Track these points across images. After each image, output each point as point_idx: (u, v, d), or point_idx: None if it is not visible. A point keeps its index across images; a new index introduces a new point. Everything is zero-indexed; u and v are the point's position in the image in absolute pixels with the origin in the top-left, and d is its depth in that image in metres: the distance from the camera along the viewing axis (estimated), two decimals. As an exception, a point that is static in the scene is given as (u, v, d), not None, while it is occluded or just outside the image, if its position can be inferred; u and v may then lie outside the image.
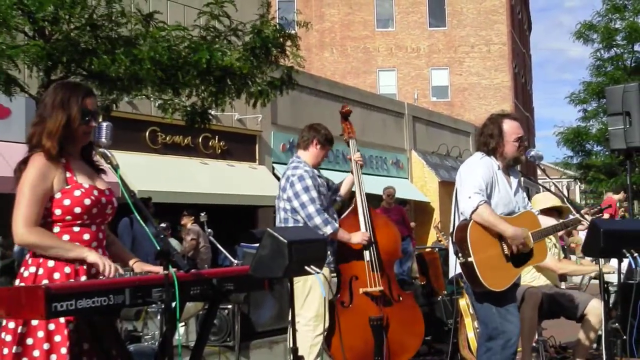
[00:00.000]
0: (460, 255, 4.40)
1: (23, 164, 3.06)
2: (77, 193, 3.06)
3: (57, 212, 3.04)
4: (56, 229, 3.05)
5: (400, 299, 5.43)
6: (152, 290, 2.81)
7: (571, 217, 5.01)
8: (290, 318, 3.46)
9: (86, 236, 3.09)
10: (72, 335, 2.94)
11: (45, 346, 2.90)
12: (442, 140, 27.30)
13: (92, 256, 2.99)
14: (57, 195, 3.04)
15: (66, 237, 3.05)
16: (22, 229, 2.95)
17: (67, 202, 3.04)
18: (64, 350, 2.90)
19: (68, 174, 3.09)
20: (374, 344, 5.21)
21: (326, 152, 5.41)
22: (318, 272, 3.21)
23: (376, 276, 5.25)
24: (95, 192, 3.11)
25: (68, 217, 3.05)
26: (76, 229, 3.07)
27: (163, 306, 2.84)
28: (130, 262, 3.26)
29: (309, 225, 4.99)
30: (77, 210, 3.05)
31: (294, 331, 3.46)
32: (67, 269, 2.99)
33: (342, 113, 5.76)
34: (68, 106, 3.08)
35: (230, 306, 6.35)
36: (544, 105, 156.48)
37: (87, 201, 3.07)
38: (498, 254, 4.44)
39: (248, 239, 9.33)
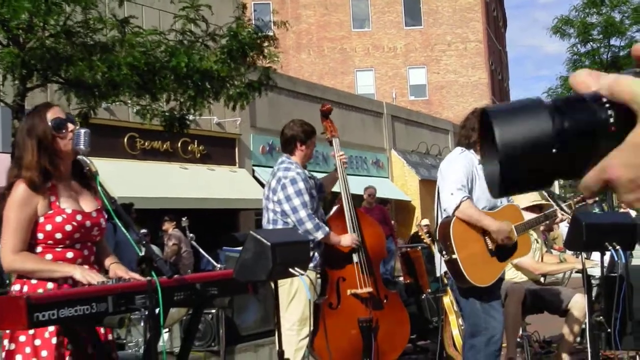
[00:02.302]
0: (444, 252, 4.40)
1: (7, 189, 3.04)
2: (59, 219, 3.04)
3: (40, 235, 3.04)
4: (39, 249, 3.05)
5: (387, 299, 5.42)
6: (135, 297, 2.78)
7: (555, 208, 5.04)
8: (275, 321, 3.44)
9: (69, 254, 3.07)
10: (57, 349, 2.91)
11: None
12: (422, 139, 27.39)
13: (78, 274, 2.96)
14: (41, 220, 3.04)
15: (49, 256, 3.04)
16: (9, 257, 2.98)
17: (48, 227, 3.04)
18: None
19: (52, 198, 3.07)
20: (363, 345, 5.19)
21: (312, 145, 5.33)
22: (302, 275, 3.19)
23: (365, 277, 5.23)
24: (79, 217, 3.09)
25: (50, 242, 3.05)
26: (58, 249, 3.06)
27: (146, 313, 2.81)
28: (107, 263, 3.22)
29: (300, 229, 4.92)
30: (58, 235, 3.04)
31: (280, 334, 3.43)
32: (50, 285, 2.97)
33: (322, 111, 5.65)
34: (34, 129, 3.06)
35: (214, 311, 6.31)
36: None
37: (69, 227, 3.05)
38: (482, 249, 4.45)
39: (230, 242, 9.29)
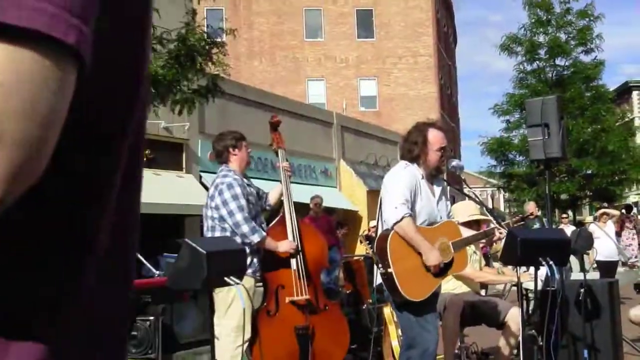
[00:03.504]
0: (380, 265, 4.42)
1: None
2: None
3: None
4: None
5: (327, 308, 5.44)
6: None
7: (492, 226, 5.12)
8: (209, 330, 3.40)
9: None
10: None
11: None
12: (371, 150, 27.56)
13: None
14: None
15: None
16: None
17: None
18: None
19: None
20: (299, 353, 5.19)
21: (245, 148, 5.40)
22: (238, 284, 3.16)
23: (303, 285, 5.24)
24: None
25: None
26: None
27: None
28: None
29: (237, 232, 4.96)
30: None
31: (213, 343, 3.41)
32: None
33: (271, 123, 5.76)
34: None
35: (152, 318, 6.22)
36: (471, 116, 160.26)
37: None
38: (417, 264, 4.48)
39: (174, 248, 9.17)
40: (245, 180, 5.28)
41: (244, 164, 5.35)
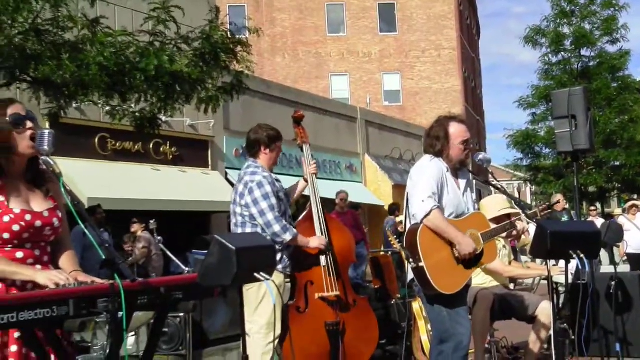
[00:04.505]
0: (411, 260, 4.41)
1: None
2: (6, 219, 2.98)
3: None
4: None
5: (356, 303, 5.42)
6: (98, 301, 2.74)
7: (521, 215, 5.07)
8: (241, 326, 3.41)
9: (19, 254, 3.01)
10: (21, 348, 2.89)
11: None
12: (395, 144, 27.49)
13: (40, 278, 2.90)
14: None
15: None
16: None
17: None
18: None
19: (1, 198, 3.01)
20: (330, 349, 5.19)
21: (278, 150, 5.34)
22: (268, 279, 3.17)
23: (332, 281, 5.23)
24: (28, 217, 3.02)
25: None
26: (7, 249, 3.00)
27: (109, 317, 2.77)
28: (62, 263, 3.17)
29: (268, 232, 4.93)
30: (6, 235, 2.98)
31: (244, 339, 3.42)
32: None
33: (294, 118, 5.69)
34: None
35: (182, 314, 6.27)
36: (495, 109, 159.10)
37: (16, 227, 2.99)
38: (448, 257, 4.46)
39: (201, 245, 9.24)
40: (273, 176, 5.24)
41: (272, 165, 5.32)
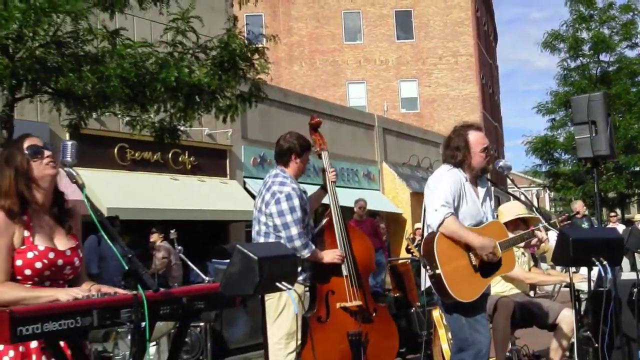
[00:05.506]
0: (428, 268, 4.39)
1: None
2: (30, 255, 3.01)
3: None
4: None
5: (376, 312, 5.40)
6: (121, 311, 2.75)
7: (540, 225, 5.04)
8: (263, 335, 3.42)
9: None
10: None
11: None
12: (413, 152, 27.44)
13: (62, 296, 2.92)
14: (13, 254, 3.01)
15: None
16: None
17: (19, 262, 3.00)
18: None
19: (26, 233, 3.04)
20: (352, 359, 5.16)
21: (306, 160, 5.31)
22: (290, 289, 3.17)
23: (354, 290, 5.21)
24: (51, 255, 3.05)
25: (18, 277, 3.00)
26: (27, 286, 3.02)
27: (132, 327, 2.79)
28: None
29: (288, 246, 4.87)
30: (27, 272, 3.01)
31: (267, 349, 3.42)
32: None
33: (311, 125, 5.62)
34: (12, 158, 3.06)
35: (202, 324, 6.29)
36: (513, 115, 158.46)
37: (39, 264, 3.02)
38: (466, 265, 4.44)
39: (219, 254, 9.26)
40: (301, 187, 5.20)
41: (299, 174, 5.29)
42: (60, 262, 3.08)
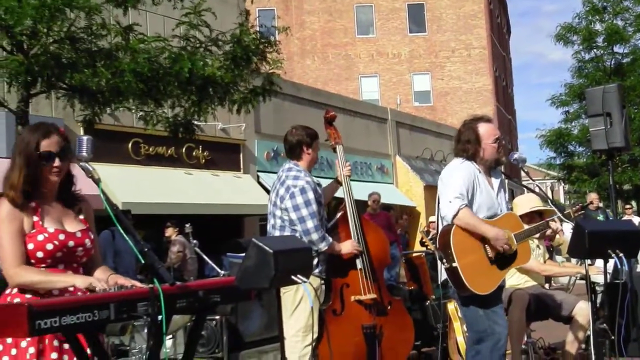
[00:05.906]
0: (444, 260, 4.39)
1: None
2: (40, 238, 3.06)
3: None
4: None
5: (391, 305, 5.40)
6: (138, 305, 2.77)
7: (555, 216, 5.02)
8: (279, 329, 3.42)
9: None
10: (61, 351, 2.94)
11: None
12: (426, 145, 27.38)
13: (79, 282, 2.99)
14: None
15: None
16: (11, 271, 3.00)
17: (30, 245, 3.05)
18: None
19: (35, 218, 3.09)
20: (367, 351, 5.17)
21: (317, 148, 5.29)
22: (305, 282, 3.17)
23: (369, 283, 5.21)
24: (61, 236, 3.10)
25: (32, 260, 3.06)
26: (41, 268, 3.07)
27: (149, 320, 2.80)
28: (98, 274, 3.22)
29: (305, 239, 4.88)
30: (40, 254, 3.06)
31: (283, 342, 3.43)
32: (28, 295, 3.01)
33: (326, 118, 5.61)
34: (26, 153, 3.08)
35: (218, 317, 6.31)
36: (527, 108, 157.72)
37: (50, 246, 3.06)
38: (482, 257, 4.44)
39: (234, 248, 9.28)
40: (315, 180, 5.19)
41: (313, 164, 5.29)
42: (71, 243, 3.13)
